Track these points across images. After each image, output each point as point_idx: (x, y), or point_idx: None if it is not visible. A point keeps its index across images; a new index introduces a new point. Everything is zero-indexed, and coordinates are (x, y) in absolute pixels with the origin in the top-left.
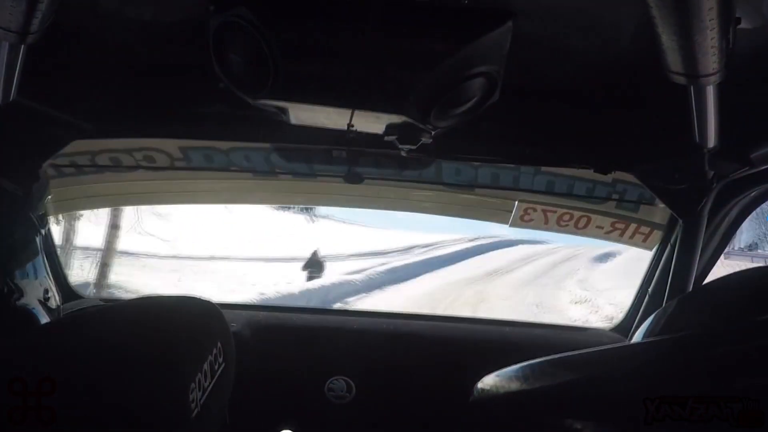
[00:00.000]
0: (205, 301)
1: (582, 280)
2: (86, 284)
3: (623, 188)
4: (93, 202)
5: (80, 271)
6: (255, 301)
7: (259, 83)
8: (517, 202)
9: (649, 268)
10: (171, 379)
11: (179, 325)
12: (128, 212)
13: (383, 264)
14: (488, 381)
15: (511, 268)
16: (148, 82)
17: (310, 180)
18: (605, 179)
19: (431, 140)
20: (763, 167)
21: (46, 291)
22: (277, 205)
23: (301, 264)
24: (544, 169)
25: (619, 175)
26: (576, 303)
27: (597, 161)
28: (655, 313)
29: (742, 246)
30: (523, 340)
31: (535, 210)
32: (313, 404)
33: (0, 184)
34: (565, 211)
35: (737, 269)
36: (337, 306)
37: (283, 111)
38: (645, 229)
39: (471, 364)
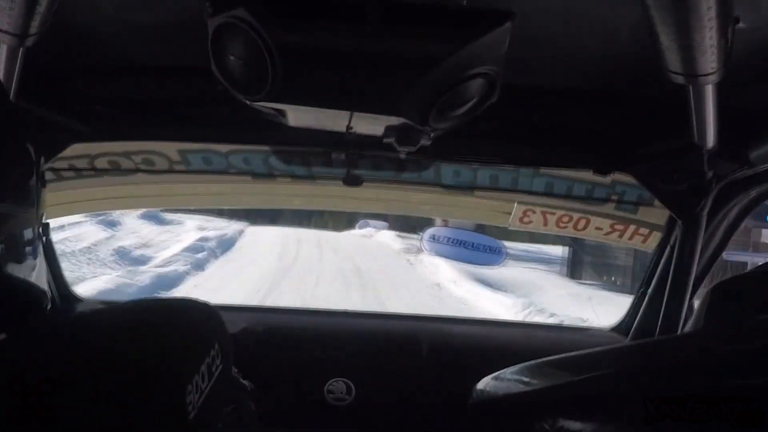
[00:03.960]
0: (203, 302)
1: None
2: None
3: (622, 189)
4: (92, 206)
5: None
6: (254, 303)
7: (258, 85)
8: (516, 204)
9: (649, 268)
10: (168, 380)
11: (176, 327)
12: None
13: None
14: (487, 382)
15: None
16: (147, 84)
17: (308, 182)
18: (604, 181)
19: (430, 142)
20: (763, 167)
21: (46, 294)
22: None
23: None
24: (543, 170)
25: (618, 176)
26: None
27: (596, 162)
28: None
29: None
30: (522, 341)
31: (534, 212)
32: (312, 406)
33: None
34: (564, 212)
35: None
36: (337, 307)
37: (282, 113)
38: (644, 230)
39: (470, 366)
